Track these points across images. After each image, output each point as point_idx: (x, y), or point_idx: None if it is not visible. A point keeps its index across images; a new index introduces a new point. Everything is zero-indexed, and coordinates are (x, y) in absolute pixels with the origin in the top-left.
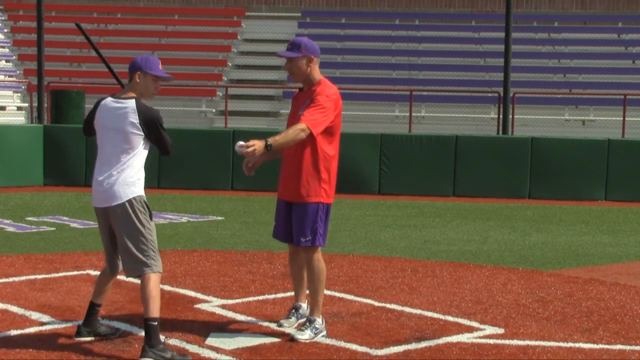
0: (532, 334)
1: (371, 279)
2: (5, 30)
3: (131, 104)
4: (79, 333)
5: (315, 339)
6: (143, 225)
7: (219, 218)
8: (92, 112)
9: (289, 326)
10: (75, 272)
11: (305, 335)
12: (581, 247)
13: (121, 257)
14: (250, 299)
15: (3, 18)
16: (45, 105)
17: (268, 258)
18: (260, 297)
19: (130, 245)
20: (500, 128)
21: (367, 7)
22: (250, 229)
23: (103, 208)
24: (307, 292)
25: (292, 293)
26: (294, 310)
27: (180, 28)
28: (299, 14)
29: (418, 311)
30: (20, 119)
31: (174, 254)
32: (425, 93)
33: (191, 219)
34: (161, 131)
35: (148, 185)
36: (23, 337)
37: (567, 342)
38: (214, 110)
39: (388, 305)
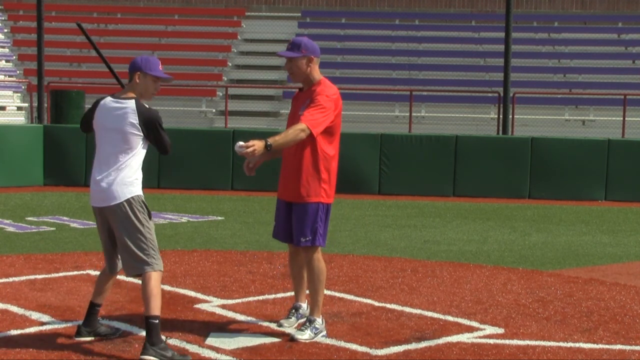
0: (532, 334)
1: (371, 279)
2: (5, 30)
3: (131, 104)
4: (79, 333)
5: (315, 339)
6: (142, 224)
7: (219, 218)
8: (91, 111)
9: (289, 326)
10: (75, 272)
11: (305, 335)
12: (581, 247)
13: (121, 256)
14: (250, 299)
15: (3, 18)
16: (45, 105)
17: (268, 258)
18: (260, 297)
19: (130, 245)
20: (500, 128)
21: (367, 7)
22: (250, 229)
23: (101, 208)
24: (307, 292)
25: (292, 293)
26: (294, 310)
27: (180, 28)
28: (299, 14)
29: (418, 311)
30: (20, 119)
31: (174, 254)
32: (425, 93)
33: (191, 219)
34: (160, 132)
35: (148, 185)
36: (23, 337)
37: (567, 342)
38: (214, 110)
39: (388, 305)
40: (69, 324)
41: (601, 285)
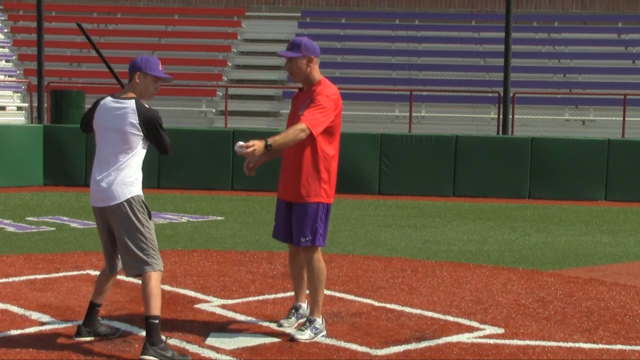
0: (532, 334)
1: (371, 279)
2: (5, 30)
3: (131, 104)
4: (79, 333)
5: (315, 339)
6: (142, 224)
7: (219, 218)
8: (91, 111)
9: (289, 326)
10: (75, 272)
11: (305, 335)
12: (581, 247)
13: (121, 256)
14: (250, 299)
15: (3, 18)
16: (45, 105)
17: (268, 258)
18: (260, 297)
19: (131, 245)
20: (500, 128)
21: (367, 7)
22: (250, 229)
23: (101, 208)
24: (307, 292)
25: (292, 293)
26: (294, 310)
27: (180, 28)
28: (299, 14)
29: (418, 311)
30: (20, 119)
31: (174, 254)
32: (425, 93)
33: (191, 219)
34: (160, 132)
35: (148, 185)
36: (23, 337)
37: (567, 342)
38: (214, 110)
39: (388, 305)
40: (69, 324)
41: (601, 285)
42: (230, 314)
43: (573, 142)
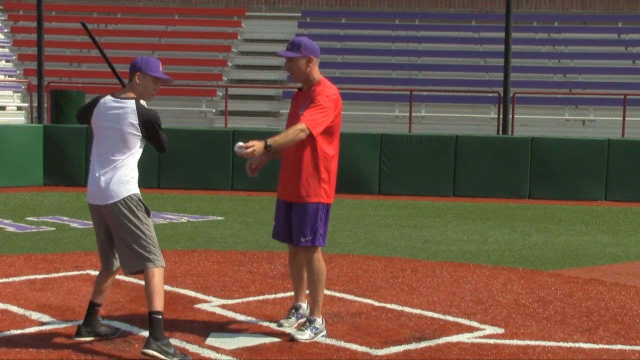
0: (532, 334)
1: (371, 279)
2: (5, 30)
3: (131, 104)
4: (79, 333)
5: (315, 339)
6: (141, 222)
7: (219, 218)
8: (91, 106)
9: (289, 326)
10: (75, 272)
11: (305, 335)
12: (581, 247)
13: (121, 254)
14: (250, 299)
15: (3, 18)
16: (45, 105)
17: (268, 258)
18: (260, 297)
19: (131, 242)
20: (500, 128)
21: (367, 7)
22: (250, 229)
23: (99, 206)
24: (307, 292)
25: (292, 293)
26: (294, 310)
27: (180, 28)
28: (299, 14)
29: (418, 311)
30: (20, 119)
31: (174, 254)
32: (425, 93)
33: (191, 219)
34: (159, 132)
35: (148, 185)
36: (23, 337)
37: (567, 342)
38: (214, 110)
39: (388, 305)
40: (69, 324)
41: (601, 285)
42: (230, 314)
43: (573, 142)
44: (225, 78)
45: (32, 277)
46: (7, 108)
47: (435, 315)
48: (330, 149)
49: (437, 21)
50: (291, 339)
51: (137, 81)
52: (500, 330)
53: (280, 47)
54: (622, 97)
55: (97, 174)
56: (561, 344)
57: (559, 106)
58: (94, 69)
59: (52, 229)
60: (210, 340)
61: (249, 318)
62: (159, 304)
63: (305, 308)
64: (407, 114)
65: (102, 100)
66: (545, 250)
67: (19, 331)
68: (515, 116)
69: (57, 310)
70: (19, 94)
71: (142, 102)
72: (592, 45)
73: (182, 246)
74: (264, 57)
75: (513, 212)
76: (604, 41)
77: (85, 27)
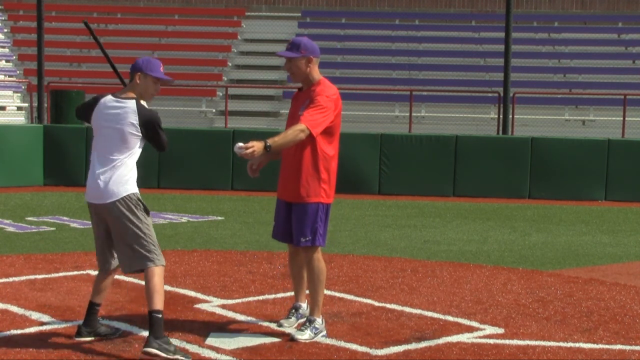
0: (532, 334)
1: (371, 279)
2: (5, 30)
3: (131, 104)
4: (79, 333)
5: (315, 339)
6: (140, 221)
7: (219, 218)
8: (91, 104)
9: (289, 326)
10: (75, 272)
11: (305, 335)
12: (581, 247)
13: (121, 254)
14: (250, 299)
15: (3, 18)
16: (45, 105)
17: (268, 258)
18: (260, 297)
19: (131, 242)
20: (500, 128)
21: (367, 7)
22: (250, 229)
23: (97, 205)
24: (307, 292)
25: (292, 293)
26: (294, 310)
27: (180, 28)
28: (299, 14)
29: (418, 311)
30: (20, 119)
31: (174, 254)
32: (425, 93)
33: (191, 219)
34: (159, 132)
35: (148, 185)
36: (23, 337)
37: (567, 342)
38: (214, 110)
39: (388, 305)
40: (69, 324)
41: (601, 285)
42: (230, 314)
43: (573, 142)
44: (225, 78)
45: (32, 277)
46: (7, 108)
47: (435, 315)
48: (330, 149)
49: (437, 21)
50: (291, 339)
51: (138, 81)
52: (500, 330)
53: (280, 47)
54: (622, 97)
55: (96, 173)
56: (561, 344)
57: (559, 106)
58: (94, 69)
59: (52, 229)
60: (210, 340)
61: (249, 318)
62: (159, 303)
63: (305, 308)
64: (407, 114)
65: (102, 100)
66: (545, 250)
67: (19, 331)
68: (515, 116)
69: (57, 310)
70: (19, 94)
71: (143, 102)
72: (592, 45)
73: (182, 246)
74: (264, 57)
75: (513, 212)
76: (604, 41)
77: (87, 27)
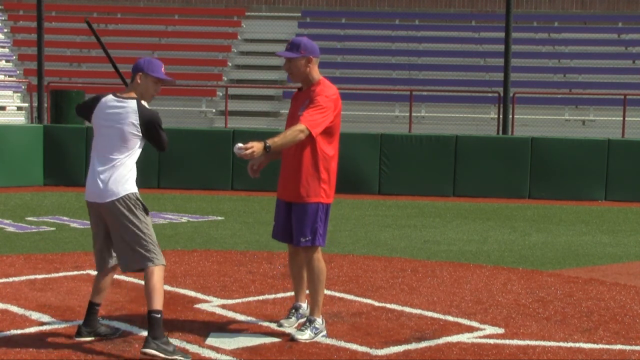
0: (532, 334)
1: (371, 279)
2: (5, 30)
3: (132, 104)
4: (79, 333)
5: (315, 339)
6: (140, 220)
7: (219, 218)
8: (92, 103)
9: (289, 326)
10: (75, 272)
11: (305, 335)
12: (581, 247)
13: (120, 253)
14: (250, 299)
15: (3, 18)
16: (45, 105)
17: (268, 258)
18: (260, 297)
19: (130, 241)
20: (500, 128)
21: (367, 7)
22: (250, 229)
23: (97, 204)
24: (307, 292)
25: (292, 293)
26: (294, 310)
27: (180, 28)
28: (299, 14)
29: (418, 311)
30: (20, 119)
31: (174, 254)
32: (425, 93)
33: (191, 219)
34: (159, 132)
35: (148, 185)
36: (23, 337)
37: (567, 342)
38: (214, 110)
39: (388, 305)
40: (69, 324)
41: (601, 285)
42: (230, 314)
43: (573, 142)
44: (225, 78)
45: (32, 277)
46: (7, 108)
47: (435, 315)
48: (330, 149)
49: (437, 21)
50: (291, 339)
51: (139, 81)
52: (500, 330)
53: (280, 47)
54: (622, 97)
55: (95, 172)
56: (561, 344)
57: (559, 106)
58: (94, 69)
59: (52, 229)
60: (210, 340)
61: (249, 318)
62: (158, 303)
63: (305, 308)
64: (407, 114)
65: (103, 99)
66: (545, 250)
67: (19, 331)
68: (515, 116)
69: (57, 310)
70: (19, 94)
71: (144, 102)
72: (592, 45)
73: (182, 246)
74: (264, 57)
75: (513, 212)
76: (604, 41)
77: (89, 26)
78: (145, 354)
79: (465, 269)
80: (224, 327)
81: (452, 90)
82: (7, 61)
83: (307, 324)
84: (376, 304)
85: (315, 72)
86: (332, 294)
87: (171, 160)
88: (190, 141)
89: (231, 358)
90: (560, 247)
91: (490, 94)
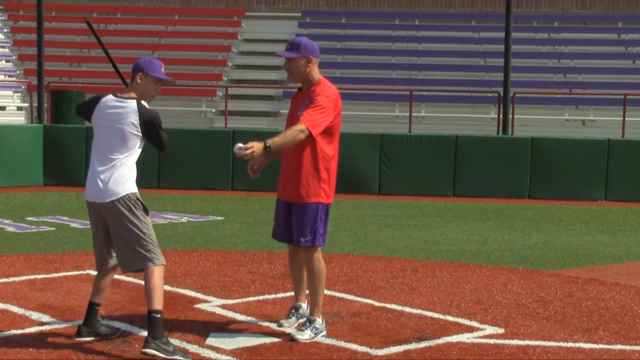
0: (532, 334)
1: (371, 279)
2: (5, 30)
3: (132, 104)
4: (79, 333)
5: (315, 339)
6: (140, 220)
7: (219, 218)
8: (92, 103)
9: (289, 326)
10: (75, 272)
11: (305, 335)
12: (581, 247)
13: (120, 253)
14: (250, 299)
15: (3, 18)
16: (45, 105)
17: (268, 258)
18: (260, 297)
19: (130, 241)
20: (500, 128)
21: (367, 7)
22: (250, 229)
23: (97, 204)
24: (307, 292)
25: (292, 293)
26: (294, 310)
27: (180, 28)
28: (299, 14)
29: (418, 311)
30: (20, 119)
31: (174, 254)
32: (425, 93)
33: (191, 219)
34: (159, 131)
35: (148, 185)
36: (23, 337)
37: (567, 342)
38: (214, 110)
39: (388, 305)
40: (69, 324)
41: (601, 285)
42: (230, 314)
43: (573, 142)
44: (225, 78)
45: (32, 277)
46: (7, 108)
47: (435, 315)
48: (330, 149)
49: (437, 21)
50: (291, 339)
51: (139, 81)
52: (500, 330)
53: (280, 47)
54: (622, 97)
55: (95, 172)
56: (561, 344)
57: (559, 106)
58: (94, 69)
59: (52, 229)
60: (210, 340)
61: (249, 318)
62: (158, 303)
63: (305, 308)
64: (407, 114)
65: (103, 99)
66: (545, 250)
67: (19, 331)
68: (515, 116)
69: (57, 310)
70: (19, 94)
71: (144, 102)
72: (592, 45)
73: (182, 246)
74: (264, 57)
75: (513, 212)
76: (604, 41)
77: (89, 26)
78: (145, 354)
79: (465, 269)
80: (224, 327)
81: (452, 90)
82: (7, 61)
83: (307, 324)
84: (376, 304)
85: (315, 72)
86: (332, 294)
87: (171, 160)
88: (190, 141)
89: (231, 358)
90: (560, 247)
91: (490, 94)
